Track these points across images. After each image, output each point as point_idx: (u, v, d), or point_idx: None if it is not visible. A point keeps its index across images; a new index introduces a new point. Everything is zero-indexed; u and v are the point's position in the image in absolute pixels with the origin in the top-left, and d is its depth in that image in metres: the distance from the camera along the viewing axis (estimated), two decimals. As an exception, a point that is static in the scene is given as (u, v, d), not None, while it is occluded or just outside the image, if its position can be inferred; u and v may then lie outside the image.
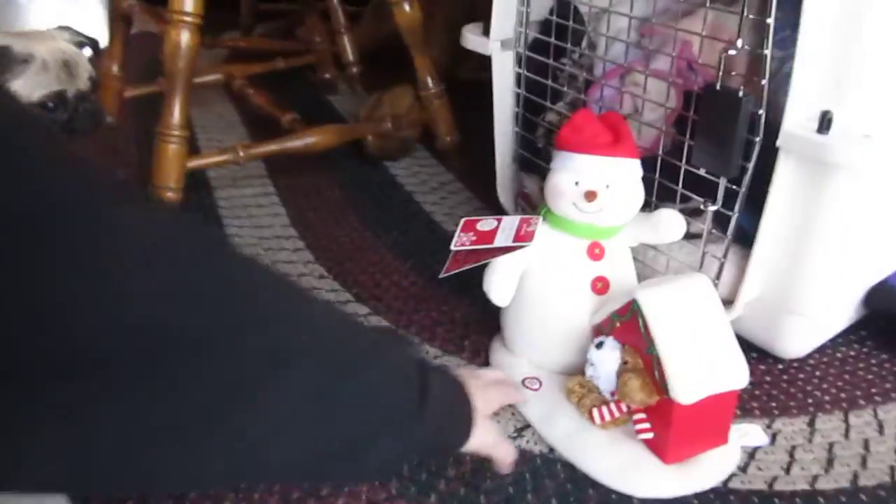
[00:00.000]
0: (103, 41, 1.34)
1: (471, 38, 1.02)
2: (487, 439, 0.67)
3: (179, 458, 0.44)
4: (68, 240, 0.37)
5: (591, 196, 0.76)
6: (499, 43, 0.99)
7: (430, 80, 1.37)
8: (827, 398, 0.85)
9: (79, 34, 1.00)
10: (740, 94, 0.71)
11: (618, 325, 0.74)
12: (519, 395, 0.79)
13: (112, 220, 0.39)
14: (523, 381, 0.82)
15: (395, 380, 0.56)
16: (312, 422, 0.49)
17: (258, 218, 1.23)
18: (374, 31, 1.83)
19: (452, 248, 0.81)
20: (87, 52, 0.99)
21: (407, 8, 1.29)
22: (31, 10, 2.39)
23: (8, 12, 2.29)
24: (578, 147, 0.77)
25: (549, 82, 0.95)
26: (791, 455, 0.77)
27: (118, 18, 1.42)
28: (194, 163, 1.18)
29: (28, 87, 0.92)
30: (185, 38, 1.10)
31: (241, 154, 1.21)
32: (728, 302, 0.84)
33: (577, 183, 0.77)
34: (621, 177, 0.78)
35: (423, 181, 1.37)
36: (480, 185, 1.29)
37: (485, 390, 0.69)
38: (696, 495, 0.71)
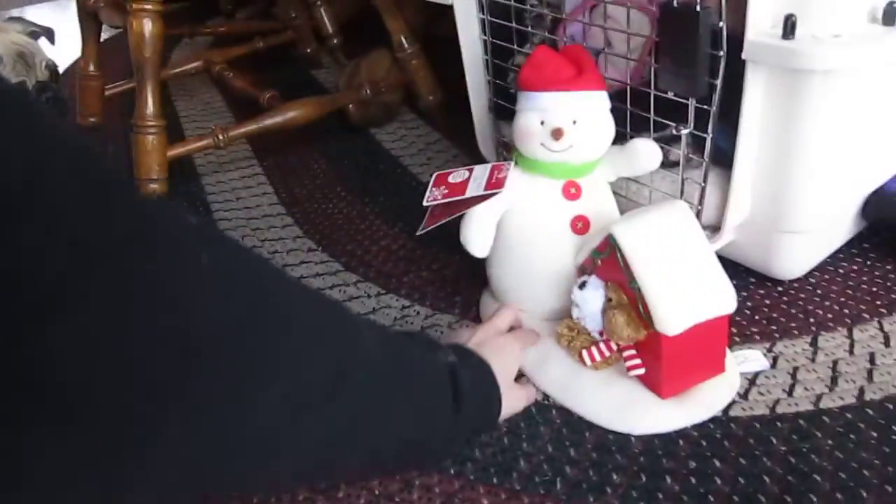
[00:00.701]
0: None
1: (430, -11, 0.99)
2: (516, 406, 0.73)
3: (254, 467, 0.48)
4: (155, 274, 0.39)
5: (557, 134, 0.74)
6: (459, -10, 0.96)
7: (405, 42, 1.34)
8: (830, 316, 0.82)
9: (31, 24, 0.99)
10: (697, 8, 0.68)
11: (598, 262, 0.72)
12: (533, 337, 0.79)
13: (193, 258, 0.42)
14: (514, 331, 0.81)
15: (432, 386, 0.62)
16: (370, 428, 0.55)
17: (246, 199, 1.22)
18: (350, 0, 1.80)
19: (425, 203, 0.79)
20: (42, 41, 0.98)
21: (373, -30, 1.26)
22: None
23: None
24: (540, 85, 0.75)
25: (515, 25, 0.92)
26: (794, 377, 0.74)
27: (86, 18, 1.41)
28: (174, 151, 1.17)
29: None
30: (148, 26, 1.09)
31: (221, 136, 1.20)
32: (716, 227, 0.82)
33: (542, 122, 0.75)
34: (588, 110, 0.75)
35: (410, 143, 1.35)
36: (467, 141, 1.26)
37: (502, 353, 0.72)
38: (696, 427, 0.70)
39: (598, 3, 0.88)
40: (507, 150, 1.04)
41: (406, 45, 1.34)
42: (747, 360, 0.76)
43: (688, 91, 0.73)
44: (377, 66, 1.38)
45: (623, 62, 0.84)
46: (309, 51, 1.78)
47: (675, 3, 0.70)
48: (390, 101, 1.40)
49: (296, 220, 1.14)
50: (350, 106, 1.35)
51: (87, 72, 1.46)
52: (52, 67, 0.97)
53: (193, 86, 1.75)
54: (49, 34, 1.01)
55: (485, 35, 0.96)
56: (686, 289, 0.66)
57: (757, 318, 0.82)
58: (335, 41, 1.70)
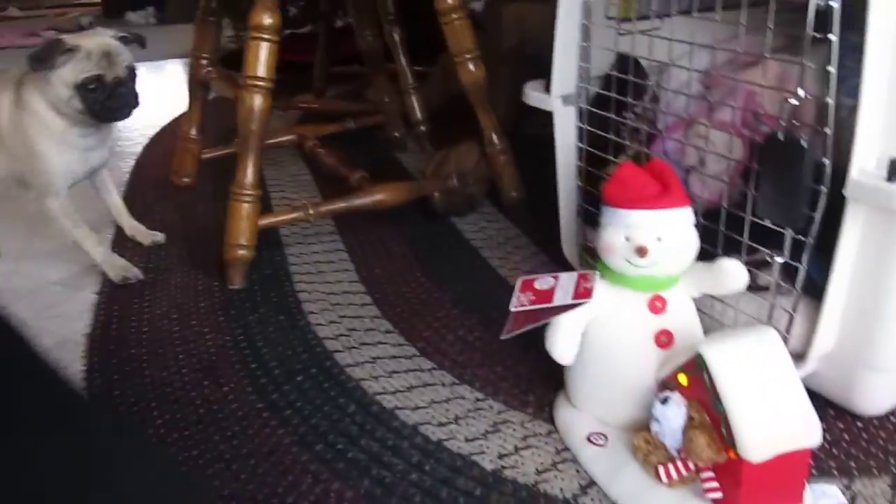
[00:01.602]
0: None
1: (533, 95, 1.03)
2: None
3: None
4: None
5: (642, 252, 0.75)
6: (560, 98, 1.00)
7: (495, 137, 1.39)
8: (911, 458, 0.80)
9: (124, 35, 1.18)
10: (803, 143, 0.69)
11: (683, 380, 0.73)
12: None
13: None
14: (588, 437, 0.81)
15: None
16: None
17: (326, 274, 1.25)
18: (440, 89, 1.87)
19: (511, 308, 0.81)
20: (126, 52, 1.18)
21: (471, 67, 1.32)
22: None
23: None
24: (625, 202, 0.77)
25: (612, 136, 0.95)
26: (872, 518, 0.73)
27: (196, 85, 1.49)
28: (266, 221, 1.22)
29: (73, 71, 1.13)
30: (257, 101, 1.15)
31: (311, 212, 1.25)
32: (800, 356, 0.82)
33: (627, 238, 0.76)
34: (672, 227, 0.76)
35: (490, 236, 1.38)
36: (546, 239, 1.28)
37: None
38: (770, 559, 0.68)
39: (690, 123, 0.91)
40: (590, 254, 1.06)
41: (495, 141, 1.39)
42: (825, 494, 0.74)
43: (787, 221, 0.74)
44: (466, 158, 1.42)
45: (710, 181, 0.86)
46: (396, 134, 1.85)
47: (780, 136, 0.73)
48: (475, 193, 1.44)
49: (374, 300, 1.17)
50: (436, 194, 1.39)
51: (189, 135, 1.54)
52: (131, 68, 1.17)
53: (281, 156, 1.82)
54: (140, 40, 1.22)
55: (581, 143, 0.99)
56: (773, 417, 0.66)
57: (835, 452, 0.81)
58: (422, 128, 1.76)
